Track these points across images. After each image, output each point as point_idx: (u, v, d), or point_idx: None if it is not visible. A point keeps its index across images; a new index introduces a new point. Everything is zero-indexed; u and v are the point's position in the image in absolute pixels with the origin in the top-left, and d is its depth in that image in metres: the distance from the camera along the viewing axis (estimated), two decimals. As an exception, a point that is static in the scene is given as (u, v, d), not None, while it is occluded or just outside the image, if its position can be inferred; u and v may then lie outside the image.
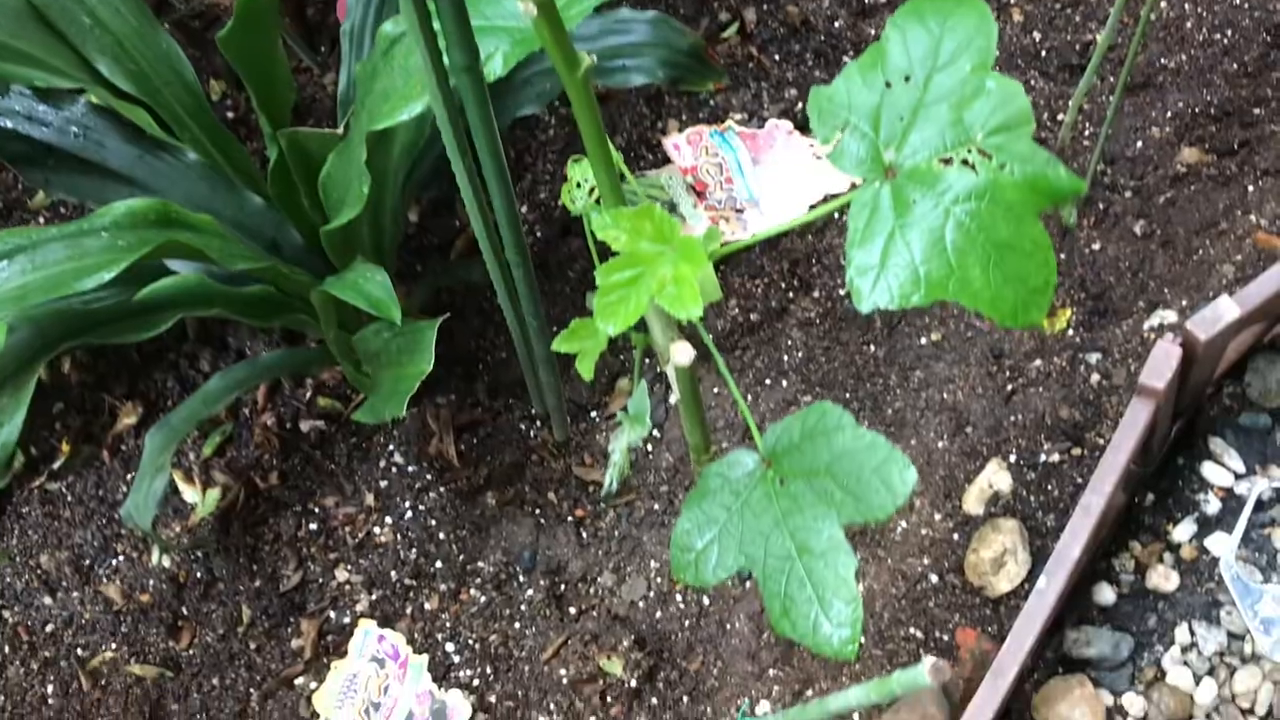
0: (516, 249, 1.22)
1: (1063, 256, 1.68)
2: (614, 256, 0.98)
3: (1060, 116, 1.77)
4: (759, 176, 1.82)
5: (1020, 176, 0.92)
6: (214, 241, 1.36)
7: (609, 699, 1.50)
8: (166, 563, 1.67)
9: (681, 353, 1.12)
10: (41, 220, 1.85)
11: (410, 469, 1.67)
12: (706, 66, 1.77)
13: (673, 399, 1.63)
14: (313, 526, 1.66)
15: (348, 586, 1.62)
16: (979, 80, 0.92)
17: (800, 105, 1.89)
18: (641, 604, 1.56)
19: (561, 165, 1.88)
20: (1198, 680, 1.37)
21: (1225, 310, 1.23)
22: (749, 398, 1.67)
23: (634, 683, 1.49)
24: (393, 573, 1.62)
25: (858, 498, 0.93)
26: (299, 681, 1.58)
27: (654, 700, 1.49)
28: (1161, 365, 1.22)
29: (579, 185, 1.16)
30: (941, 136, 0.92)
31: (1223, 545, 1.41)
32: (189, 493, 1.70)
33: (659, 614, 1.55)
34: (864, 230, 0.93)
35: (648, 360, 1.71)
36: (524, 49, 1.07)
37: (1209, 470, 1.46)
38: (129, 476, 1.70)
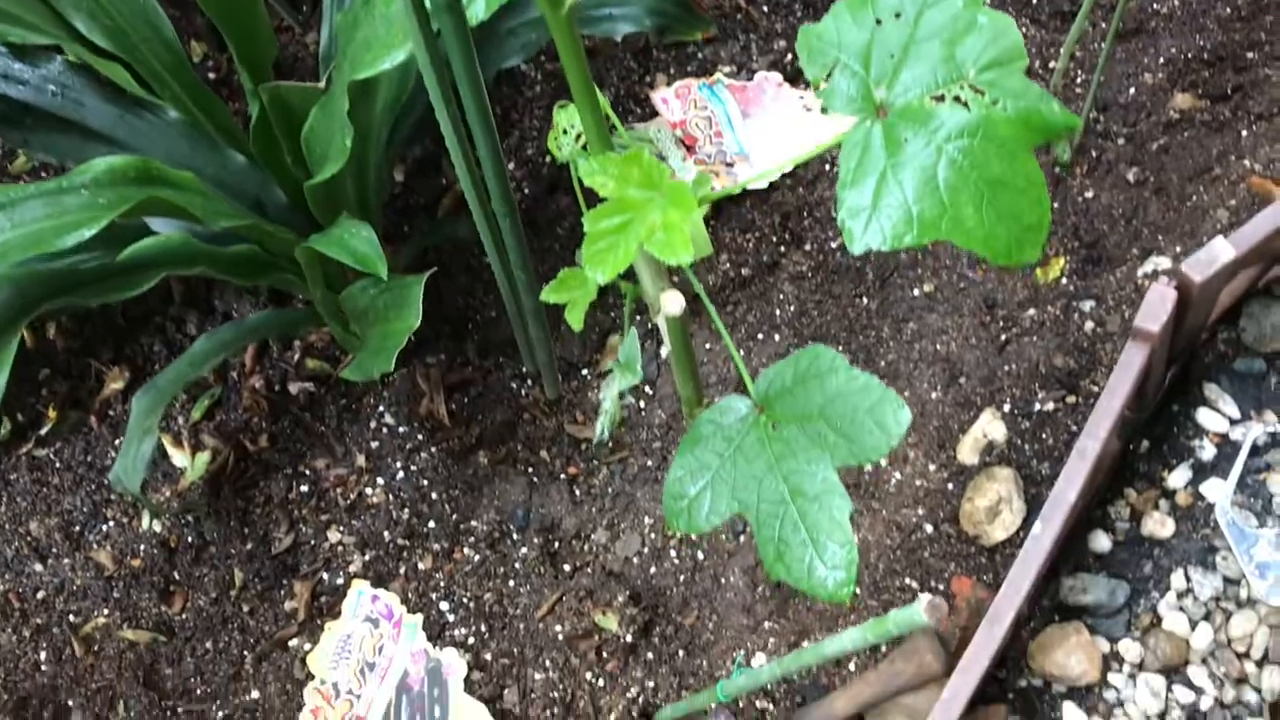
0: (503, 199, 1.20)
1: (1056, 205, 1.67)
2: (601, 203, 0.96)
3: (1052, 64, 1.75)
4: (749, 129, 1.80)
5: (1013, 112, 0.91)
6: (196, 199, 1.34)
7: (605, 654, 1.49)
8: (157, 527, 1.66)
9: (672, 302, 1.10)
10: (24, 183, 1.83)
11: (401, 429, 1.66)
12: (694, 15, 1.75)
13: (664, 353, 1.62)
14: (304, 488, 1.65)
15: (340, 548, 1.62)
16: (970, 15, 0.91)
17: (790, 57, 1.87)
18: (636, 560, 1.55)
19: (549, 122, 1.86)
20: (1193, 625, 1.37)
21: (1220, 251, 1.22)
22: (741, 353, 1.66)
23: (629, 638, 1.48)
24: (385, 533, 1.61)
25: (851, 439, 0.92)
26: (293, 643, 1.58)
27: (650, 655, 1.49)
28: (1156, 308, 1.21)
29: (565, 132, 1.14)
30: (933, 73, 0.90)
31: (1218, 491, 1.41)
32: (178, 457, 1.69)
33: (653, 569, 1.54)
34: (855, 170, 0.91)
35: (640, 317, 1.69)
36: (507, -10, 1.06)
37: (1204, 416, 1.45)
38: (117, 442, 1.69)
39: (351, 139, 1.27)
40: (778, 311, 1.68)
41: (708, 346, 1.67)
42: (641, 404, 1.64)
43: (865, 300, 1.67)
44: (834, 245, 1.71)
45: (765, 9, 1.90)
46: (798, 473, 0.94)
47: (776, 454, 0.95)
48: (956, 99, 0.89)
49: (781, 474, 0.94)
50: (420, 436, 1.65)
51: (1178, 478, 1.43)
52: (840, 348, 1.65)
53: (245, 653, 1.58)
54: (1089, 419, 1.22)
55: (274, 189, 1.58)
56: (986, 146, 0.89)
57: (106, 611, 1.62)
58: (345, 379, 1.68)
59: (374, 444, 1.66)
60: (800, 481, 0.93)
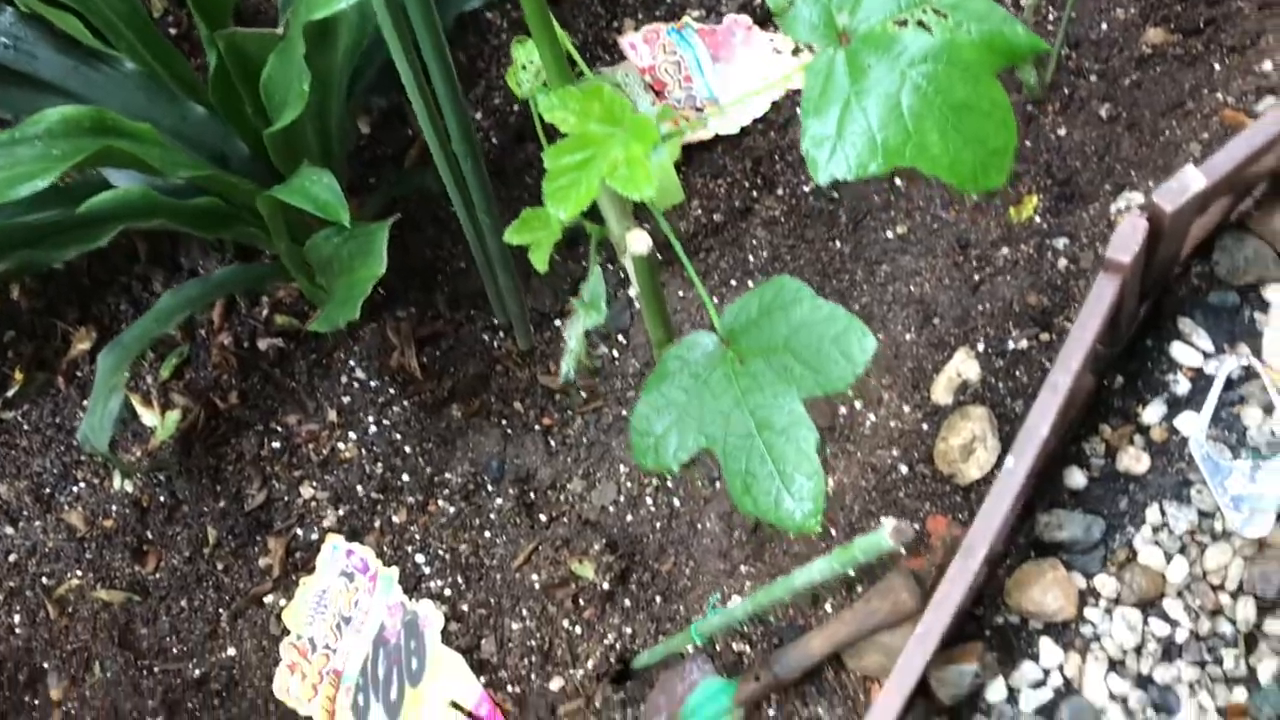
0: (463, 140, 1.18)
1: (1029, 143, 1.65)
2: (562, 139, 0.95)
3: (1023, 0, 1.73)
4: (718, 74, 1.78)
5: (977, 35, 0.89)
6: (153, 150, 1.32)
7: (581, 602, 1.49)
8: (129, 487, 1.64)
9: (638, 241, 1.09)
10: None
11: (372, 384, 1.64)
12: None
13: (633, 294, 1.61)
14: (275, 445, 1.64)
15: (314, 503, 1.60)
16: (929, -59, 0.89)
17: (759, 0, 1.84)
18: (612, 508, 1.54)
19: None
20: (1169, 559, 1.37)
21: (1191, 180, 1.21)
22: (715, 300, 1.65)
23: (606, 585, 1.48)
24: (359, 487, 1.60)
25: (817, 370, 0.91)
26: (268, 599, 1.57)
27: (627, 601, 1.48)
28: (1128, 239, 1.20)
29: (524, 67, 1.11)
30: (895, -2, 0.89)
31: (1192, 425, 1.40)
32: (148, 416, 1.67)
33: (630, 517, 1.53)
34: (819, 99, 0.89)
35: (611, 267, 1.68)
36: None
37: (1178, 351, 1.44)
38: (85, 403, 1.66)
39: (309, 84, 1.25)
40: (750, 257, 1.67)
41: (680, 295, 1.65)
42: (615, 353, 1.62)
43: (838, 244, 1.66)
44: (806, 189, 1.69)
45: (734, -49, 1.87)
46: (764, 406, 0.93)
47: (743, 388, 0.94)
48: (920, 23, 0.87)
49: (748, 407, 0.93)
50: (392, 390, 1.63)
51: (1152, 413, 1.42)
52: (817, 290, 1.63)
53: (220, 610, 1.57)
54: (1060, 352, 1.21)
55: (236, 141, 1.56)
56: (950, 71, 0.87)
57: (80, 573, 1.61)
58: (315, 334, 1.66)
59: (345, 399, 1.64)
60: (767, 414, 0.92)
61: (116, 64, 1.48)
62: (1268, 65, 1.58)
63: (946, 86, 0.89)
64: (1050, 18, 1.73)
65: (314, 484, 1.61)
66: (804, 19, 0.91)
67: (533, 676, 1.46)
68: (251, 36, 1.37)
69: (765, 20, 1.82)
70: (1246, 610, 1.33)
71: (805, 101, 0.88)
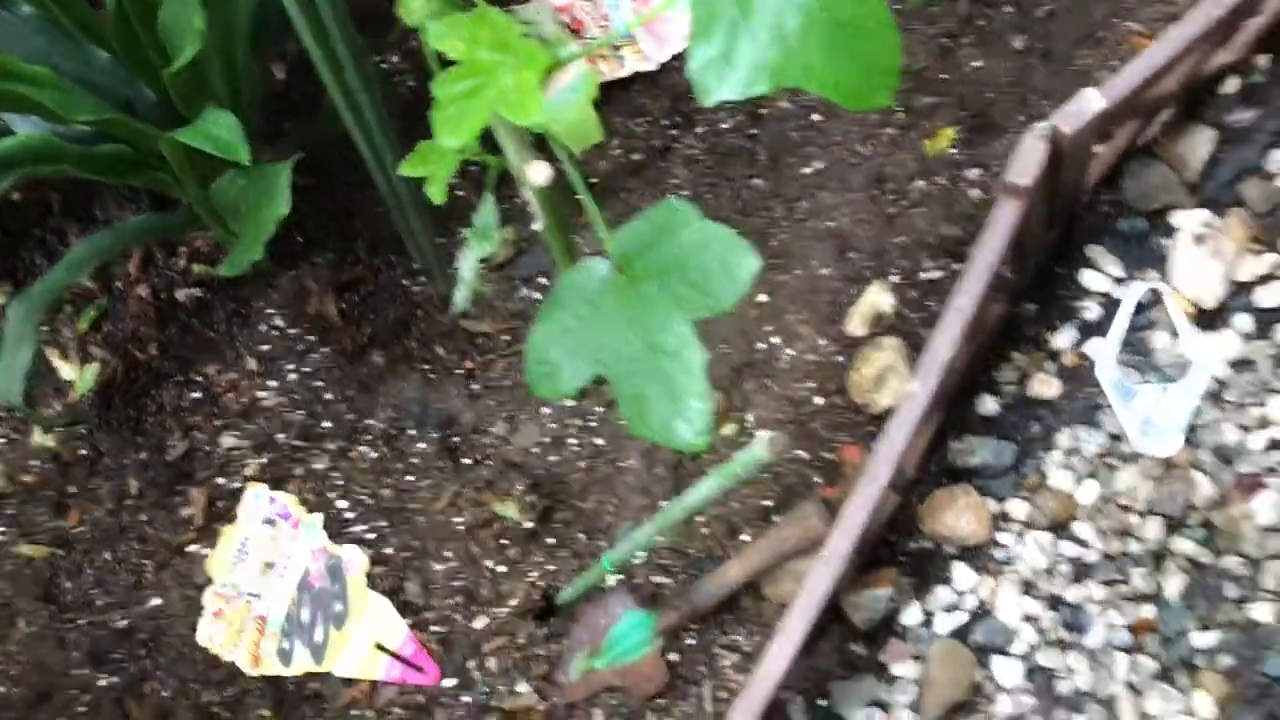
0: (364, 88, 1.17)
1: (944, 76, 1.65)
2: (452, 67, 0.94)
3: (939, -66, 1.73)
4: (635, 12, 1.76)
5: (860, -47, 0.89)
6: (51, 94, 1.30)
7: (505, 541, 1.49)
8: (49, 442, 1.63)
9: (538, 172, 1.08)
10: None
11: (292, 331, 1.63)
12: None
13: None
14: (196, 395, 1.63)
15: (235, 452, 1.59)
16: None
17: (677, -62, 1.83)
18: (535, 450, 1.55)
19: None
20: (1079, 482, 1.39)
21: (1090, 102, 1.22)
22: (635, 239, 1.64)
23: (530, 524, 1.49)
24: (280, 435, 1.59)
25: (704, 291, 0.92)
26: (192, 549, 1.56)
27: (550, 540, 1.49)
28: (1028, 162, 1.21)
29: (416, -4, 1.10)
30: (778, -85, 0.88)
31: (1101, 350, 1.42)
32: (66, 370, 1.65)
33: (553, 458, 1.54)
34: (705, 21, 0.89)
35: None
36: None
37: (1088, 277, 1.46)
38: (2, 358, 1.64)
39: (204, 21, 1.23)
40: (671, 196, 1.66)
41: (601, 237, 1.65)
42: (537, 295, 1.62)
43: (758, 181, 1.66)
44: (725, 127, 1.69)
45: (650, -111, 1.85)
46: (655, 329, 0.93)
47: (635, 311, 0.94)
48: None
49: (639, 331, 0.94)
50: (312, 338, 1.62)
51: (1063, 338, 1.44)
52: (736, 229, 1.63)
53: (145, 561, 1.56)
54: (961, 276, 1.22)
55: (141, 86, 1.53)
56: (832, -13, 0.87)
57: (1, 529, 1.59)
58: (232, 283, 1.64)
59: (265, 347, 1.63)
60: (658, 337, 0.93)
61: (13, 7, 1.44)
62: (1176, -8, 1.59)
63: (830, 5, 0.89)
64: (965, -50, 1.73)
65: (235, 433, 1.60)
66: (688, -61, 0.90)
67: (458, 617, 1.47)
68: (149, -21, 1.34)
69: (684, -42, 1.80)
70: (1154, 530, 1.36)
71: (692, 24, 0.88)
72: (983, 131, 1.59)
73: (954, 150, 1.60)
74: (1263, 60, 1.50)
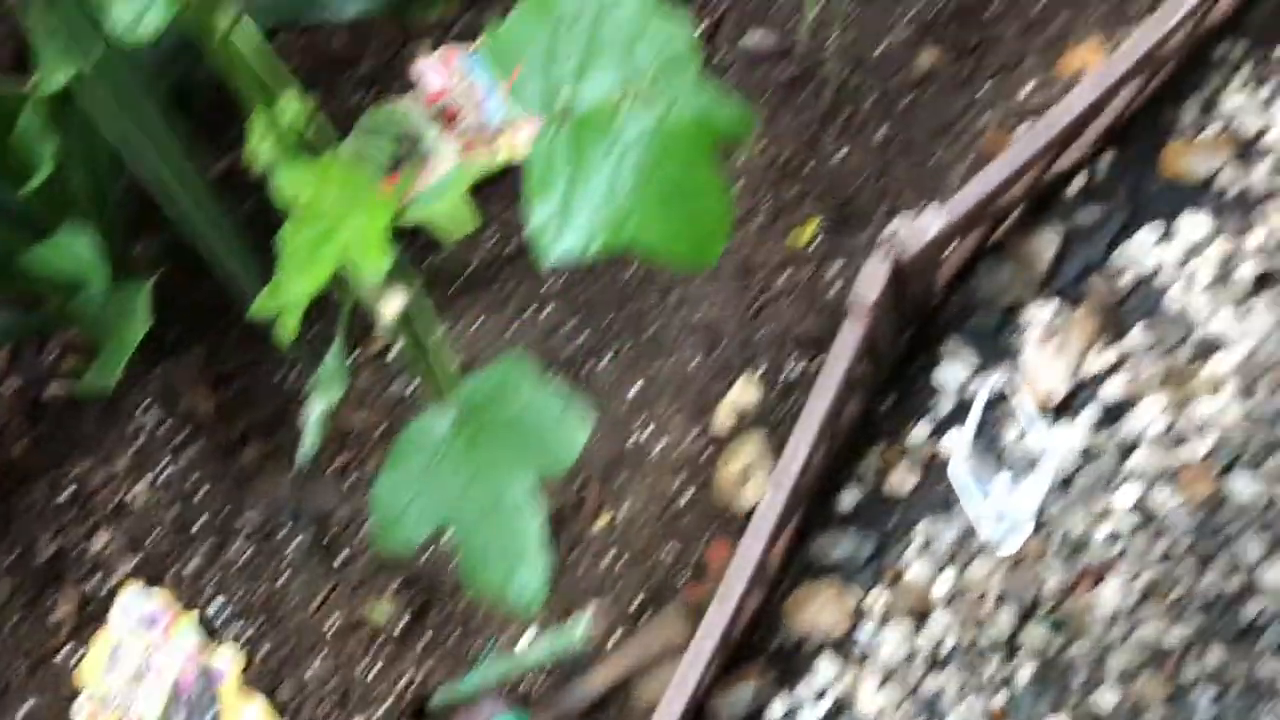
0: (214, 221, 1.17)
1: (811, 164, 1.70)
2: (299, 212, 0.95)
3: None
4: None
5: (688, 116, 0.91)
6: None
7: (379, 641, 1.50)
8: (-86, 543, 1.60)
9: (390, 304, 1.09)
10: None
11: (164, 427, 1.62)
12: (433, -13, 1.71)
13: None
14: (67, 493, 1.61)
15: (107, 552, 1.59)
16: (646, 18, 0.91)
17: (552, 22, 1.85)
18: (411, 544, 1.56)
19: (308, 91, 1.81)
20: (936, 573, 1.44)
21: (931, 221, 1.26)
22: (512, 328, 1.66)
23: (404, 623, 1.50)
24: (153, 534, 1.59)
25: (540, 451, 0.94)
26: (63, 653, 1.55)
27: (424, 639, 1.50)
28: (871, 281, 1.25)
29: (262, 138, 1.11)
30: (614, 77, 0.90)
31: (954, 444, 1.47)
32: (-68, 469, 1.63)
33: (427, 554, 1.55)
34: (542, 178, 0.91)
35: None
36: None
37: (942, 373, 1.51)
38: None
39: (56, 146, 1.22)
40: (546, 285, 1.69)
41: (479, 320, 1.66)
42: (409, 390, 1.63)
43: (633, 268, 1.69)
44: (599, 214, 1.71)
45: (525, -28, 1.87)
46: (494, 487, 0.95)
47: (474, 468, 0.96)
48: (637, 104, 0.89)
49: (479, 488, 0.96)
50: (185, 433, 1.62)
51: (919, 433, 1.49)
52: (611, 316, 1.67)
53: (13, 668, 1.55)
54: (812, 390, 1.26)
55: (7, 188, 1.51)
56: (664, 153, 0.89)
57: None
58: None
59: (138, 443, 1.62)
60: (496, 496, 0.95)
61: None
62: (1028, 88, 1.65)
63: (663, 166, 0.91)
64: (834, 37, 1.77)
65: (107, 532, 1.59)
66: (527, 96, 0.92)
67: (332, 718, 1.48)
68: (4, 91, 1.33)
69: (559, 42, 1.82)
70: (1006, 619, 1.41)
71: (529, 180, 0.90)
72: (846, 223, 1.64)
73: (819, 239, 1.64)
74: (1106, 157, 1.57)
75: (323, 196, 0.96)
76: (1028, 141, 1.35)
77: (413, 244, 1.68)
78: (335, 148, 1.00)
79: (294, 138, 1.01)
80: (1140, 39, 1.36)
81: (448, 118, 1.76)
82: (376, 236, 0.92)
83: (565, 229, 0.90)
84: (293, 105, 1.01)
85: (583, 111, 0.90)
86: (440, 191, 1.70)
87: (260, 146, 1.13)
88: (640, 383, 1.58)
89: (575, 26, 0.92)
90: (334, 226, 0.95)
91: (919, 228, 1.26)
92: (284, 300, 1.11)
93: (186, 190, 1.14)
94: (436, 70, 1.79)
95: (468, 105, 1.77)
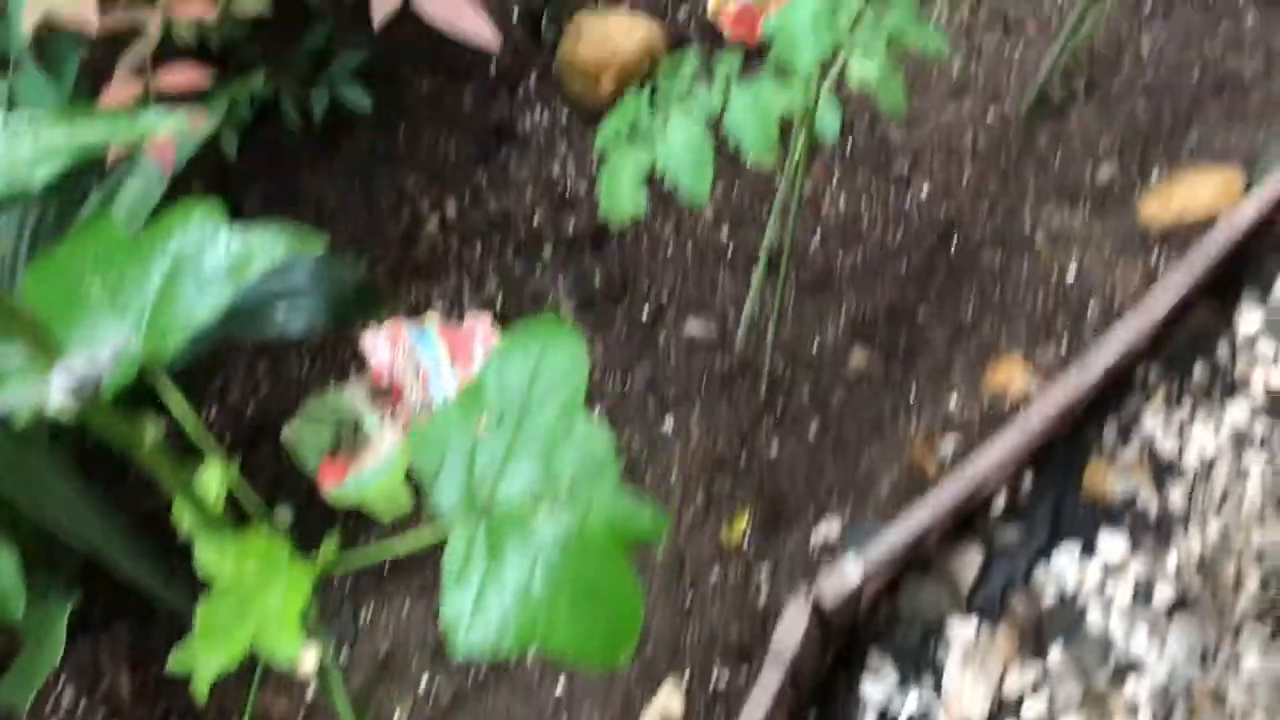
0: (109, 545, 1.17)
1: (744, 456, 1.73)
2: (217, 588, 0.96)
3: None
4: (456, 378, 1.82)
5: (605, 521, 0.94)
6: None
7: None
8: None
9: (307, 660, 1.09)
10: None
11: (81, 707, 1.59)
12: (376, 296, 1.75)
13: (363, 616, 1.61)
14: (-26, 777, 1.57)
15: (9, 844, 1.54)
16: (566, 425, 0.95)
17: (500, 298, 1.90)
18: (325, 842, 1.53)
19: (257, 357, 1.85)
20: None
21: (850, 574, 1.30)
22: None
23: None
24: (59, 826, 1.54)
25: None
26: None
27: None
28: (791, 630, 1.27)
29: (194, 505, 1.12)
30: (532, 479, 0.93)
31: (878, 762, 1.48)
32: None
33: None
34: (459, 574, 0.93)
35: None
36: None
37: (867, 687, 1.52)
38: None
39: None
40: None
41: (400, 609, 1.66)
42: (339, 664, 1.62)
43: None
44: (536, 497, 1.73)
45: (478, 250, 1.93)
46: None
47: None
48: (554, 507, 0.92)
49: None
50: (101, 716, 1.59)
51: (841, 751, 1.50)
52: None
53: None
54: (744, 702, 1.27)
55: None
56: (580, 554, 0.92)
57: None
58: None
59: (52, 726, 1.59)
60: None
61: None
62: (954, 398, 1.71)
63: (576, 569, 0.93)
64: (769, 332, 1.83)
65: (12, 822, 1.54)
66: (447, 494, 0.95)
67: None
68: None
69: (506, 317, 1.88)
70: None
71: (445, 574, 0.92)
72: (775, 522, 1.67)
73: (749, 536, 1.67)
74: (1027, 477, 1.62)
75: (243, 566, 0.97)
76: (949, 487, 1.39)
77: (346, 523, 1.69)
78: (260, 514, 1.02)
79: (216, 510, 1.03)
80: (1068, 382, 1.41)
81: (393, 394, 1.79)
82: (292, 619, 0.93)
83: (477, 623, 0.91)
84: (216, 476, 1.04)
85: (501, 509, 0.93)
86: (378, 475, 1.71)
87: (181, 518, 1.15)
88: (563, 682, 1.58)
89: (499, 426, 0.95)
90: (250, 603, 0.96)
91: (839, 579, 1.29)
92: (198, 670, 1.11)
93: (92, 533, 1.14)
94: (383, 345, 1.83)
95: (412, 382, 1.81)
